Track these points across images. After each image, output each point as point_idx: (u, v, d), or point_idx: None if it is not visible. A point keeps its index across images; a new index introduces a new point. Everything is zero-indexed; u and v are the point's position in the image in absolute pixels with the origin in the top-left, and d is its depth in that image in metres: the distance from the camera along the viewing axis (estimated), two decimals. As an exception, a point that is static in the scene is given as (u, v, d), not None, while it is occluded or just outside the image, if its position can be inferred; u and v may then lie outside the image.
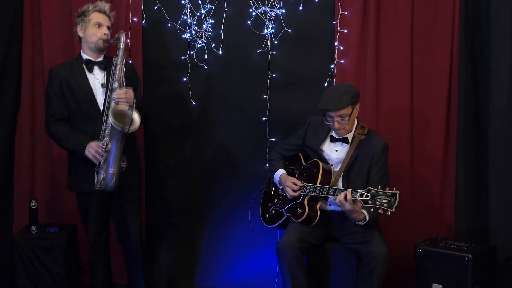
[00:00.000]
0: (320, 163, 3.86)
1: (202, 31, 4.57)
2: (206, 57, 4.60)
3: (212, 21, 4.56)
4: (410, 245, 4.18)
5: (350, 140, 3.87)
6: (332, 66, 4.47)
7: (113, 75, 3.80)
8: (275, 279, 3.91)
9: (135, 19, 4.54)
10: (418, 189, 4.46)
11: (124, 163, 3.81)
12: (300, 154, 4.10)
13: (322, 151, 3.94)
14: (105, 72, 3.94)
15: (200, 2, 4.54)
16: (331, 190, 3.69)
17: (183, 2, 4.56)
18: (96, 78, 3.94)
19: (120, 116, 3.72)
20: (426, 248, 3.93)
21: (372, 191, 3.46)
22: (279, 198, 4.04)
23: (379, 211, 3.43)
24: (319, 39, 4.51)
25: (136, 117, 3.76)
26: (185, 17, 4.57)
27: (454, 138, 4.37)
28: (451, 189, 4.40)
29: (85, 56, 3.97)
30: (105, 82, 3.90)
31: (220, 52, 4.58)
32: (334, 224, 3.92)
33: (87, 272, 4.65)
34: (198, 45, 4.58)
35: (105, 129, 3.78)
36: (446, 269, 3.80)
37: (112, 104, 3.77)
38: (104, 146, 3.74)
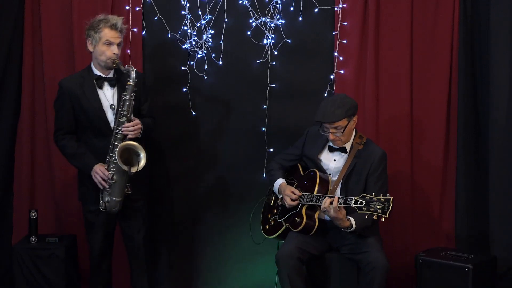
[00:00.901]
0: (318, 173, 3.86)
1: (202, 41, 4.57)
2: (206, 67, 4.59)
3: (212, 32, 4.56)
4: (410, 255, 4.17)
5: (348, 149, 3.87)
6: (332, 77, 4.47)
7: (121, 109, 3.78)
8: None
9: (135, 29, 4.54)
10: (418, 199, 4.45)
11: (128, 190, 3.83)
12: (298, 164, 4.10)
13: (320, 160, 3.94)
14: (115, 89, 3.92)
15: (200, 12, 4.54)
16: (327, 198, 3.68)
17: (183, 12, 4.56)
18: (106, 96, 3.91)
19: (127, 152, 3.77)
20: (426, 258, 3.93)
21: (367, 197, 3.47)
22: (278, 209, 4.04)
23: (374, 217, 3.44)
24: (318, 49, 4.52)
25: (142, 159, 3.77)
26: (185, 28, 4.57)
27: (454, 148, 4.37)
28: (451, 199, 4.39)
29: (96, 72, 3.91)
30: (114, 103, 3.87)
31: (220, 63, 4.58)
32: (334, 234, 3.91)
33: (86, 282, 4.60)
34: (198, 56, 4.58)
35: (112, 157, 3.78)
36: (447, 280, 3.80)
37: (119, 136, 3.77)
38: (110, 177, 3.76)
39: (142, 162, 3.76)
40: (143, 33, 4.59)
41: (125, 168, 3.69)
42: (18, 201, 4.74)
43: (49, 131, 4.64)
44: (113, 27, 3.83)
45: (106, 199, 3.81)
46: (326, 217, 3.83)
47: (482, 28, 4.22)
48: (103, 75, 3.91)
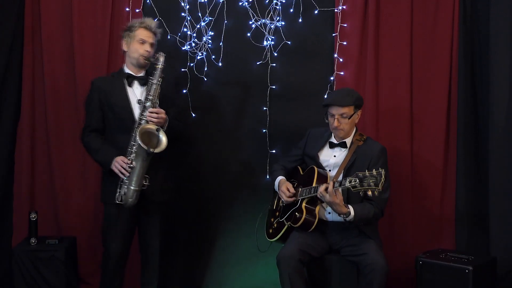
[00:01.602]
0: (316, 168, 3.87)
1: (202, 43, 4.58)
2: (206, 69, 4.60)
3: (212, 33, 4.58)
4: (410, 257, 4.15)
5: (348, 145, 3.90)
6: (332, 78, 4.48)
7: (148, 94, 3.83)
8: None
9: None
10: (419, 200, 4.45)
11: (146, 182, 3.83)
12: (299, 167, 4.11)
13: (319, 157, 3.96)
14: (144, 87, 3.95)
15: (200, 14, 4.56)
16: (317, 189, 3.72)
17: (183, 14, 4.58)
18: (135, 93, 3.96)
19: (148, 136, 3.77)
20: (427, 260, 3.92)
21: (360, 175, 3.49)
22: (280, 210, 4.04)
23: (368, 192, 3.46)
24: (318, 51, 4.53)
25: (163, 139, 3.78)
26: (185, 29, 4.58)
27: (454, 149, 4.38)
28: (451, 200, 4.39)
29: (127, 70, 3.99)
30: (142, 99, 3.90)
31: (220, 64, 4.59)
32: (334, 236, 3.91)
33: (86, 284, 4.67)
34: (198, 57, 4.60)
35: (133, 145, 3.80)
36: (447, 281, 3.79)
37: (143, 122, 3.80)
38: (130, 163, 3.77)
39: (163, 142, 3.78)
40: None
41: (145, 147, 3.71)
42: (18, 202, 4.75)
43: (49, 133, 4.71)
44: (148, 27, 3.97)
45: (123, 191, 3.81)
46: (328, 216, 3.86)
47: (482, 28, 4.23)
48: (134, 74, 3.98)
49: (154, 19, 4.52)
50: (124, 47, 3.99)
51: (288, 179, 4.08)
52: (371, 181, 3.43)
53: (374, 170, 3.46)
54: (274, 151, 4.55)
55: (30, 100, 4.72)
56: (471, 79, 4.32)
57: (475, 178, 4.32)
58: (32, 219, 4.39)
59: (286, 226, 3.91)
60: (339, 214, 3.66)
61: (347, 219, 3.65)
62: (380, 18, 4.41)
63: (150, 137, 3.78)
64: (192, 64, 4.60)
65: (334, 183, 3.60)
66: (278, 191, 4.04)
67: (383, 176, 3.40)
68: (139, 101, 3.89)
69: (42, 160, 4.75)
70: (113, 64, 4.59)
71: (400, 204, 4.39)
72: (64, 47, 4.65)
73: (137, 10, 4.58)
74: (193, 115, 4.60)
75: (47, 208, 4.72)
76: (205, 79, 4.61)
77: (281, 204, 4.06)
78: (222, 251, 4.70)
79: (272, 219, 4.12)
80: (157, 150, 3.74)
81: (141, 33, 3.94)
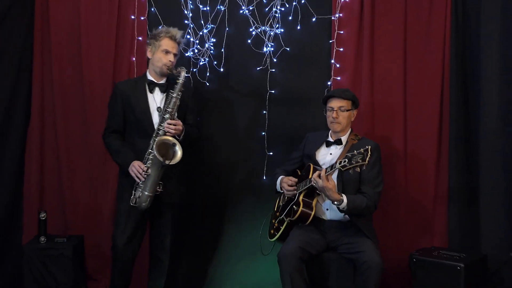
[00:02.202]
0: (311, 165, 3.89)
1: (204, 49, 4.58)
2: (208, 74, 4.60)
3: (214, 40, 4.58)
4: (405, 254, 4.15)
5: (344, 142, 3.93)
6: (329, 83, 4.47)
7: (167, 106, 3.83)
8: (276, 287, 3.89)
9: (140, 38, 4.55)
10: (412, 199, 4.44)
11: (160, 188, 3.84)
12: (298, 170, 4.11)
13: (316, 155, 3.97)
14: (165, 94, 3.96)
15: (202, 22, 4.56)
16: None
17: (186, 22, 4.58)
18: (155, 99, 3.96)
19: (164, 147, 3.80)
20: (420, 257, 3.94)
21: (348, 155, 3.52)
22: (279, 210, 4.04)
23: (357, 169, 3.49)
24: (316, 57, 4.54)
25: (178, 152, 3.80)
26: (188, 36, 4.57)
27: (446, 150, 4.37)
28: (444, 200, 4.39)
29: (149, 77, 4.00)
30: (161, 106, 3.91)
31: (222, 70, 4.59)
32: (332, 234, 3.90)
33: (93, 281, 4.66)
34: (201, 63, 4.60)
35: (150, 153, 3.81)
36: (440, 278, 3.80)
37: (161, 132, 3.81)
38: (145, 170, 3.78)
39: (179, 155, 3.80)
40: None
41: (161, 159, 3.72)
42: (28, 202, 4.73)
43: (58, 135, 4.69)
44: (172, 38, 3.96)
45: (138, 194, 3.82)
46: (325, 215, 3.87)
47: (473, 33, 4.23)
48: (156, 81, 3.98)
49: (159, 27, 4.52)
50: (149, 55, 4.00)
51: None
52: (358, 158, 3.46)
53: (361, 149, 3.47)
54: (271, 153, 4.55)
55: (40, 103, 4.70)
56: (462, 85, 4.31)
57: (466, 178, 4.31)
58: (41, 218, 4.38)
59: (285, 223, 3.91)
60: (333, 202, 3.66)
61: (340, 206, 3.65)
62: (375, 25, 4.41)
63: (166, 148, 3.81)
64: (195, 70, 4.60)
65: (326, 169, 3.62)
66: (280, 189, 4.05)
67: (369, 152, 3.42)
68: (158, 109, 3.91)
69: (51, 161, 4.73)
70: (118, 70, 4.59)
71: (395, 203, 4.40)
72: (72, 53, 4.63)
73: (142, 18, 4.57)
74: (197, 118, 4.58)
75: (56, 207, 4.70)
76: (207, 84, 4.61)
77: (280, 204, 4.06)
78: (224, 249, 4.70)
79: (274, 220, 4.12)
80: (172, 163, 3.75)
81: (166, 43, 3.93)
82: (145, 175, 3.79)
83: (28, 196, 4.73)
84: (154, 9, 4.59)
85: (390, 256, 4.20)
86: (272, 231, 4.07)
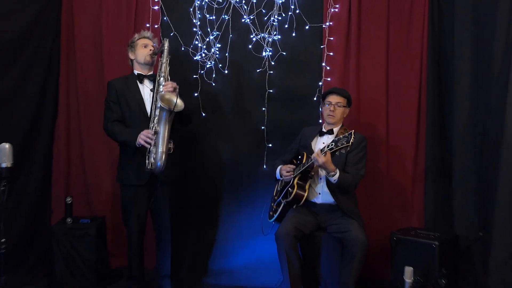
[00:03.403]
0: (305, 153, 3.93)
1: (210, 54, 4.59)
2: (214, 75, 4.60)
3: (219, 46, 4.58)
4: (386, 234, 4.16)
5: (335, 133, 3.96)
6: (320, 83, 4.48)
7: (159, 72, 3.85)
8: (273, 262, 3.92)
9: (155, 44, 4.54)
10: (394, 188, 4.46)
11: (171, 145, 3.73)
12: (294, 159, 4.12)
13: (312, 145, 4.00)
14: (153, 83, 3.95)
15: (209, 29, 4.56)
16: (310, 159, 3.78)
17: (194, 29, 4.58)
18: (146, 87, 3.97)
19: (167, 102, 3.72)
20: (400, 236, 3.95)
21: (335, 139, 3.59)
22: (277, 194, 4.07)
23: (342, 150, 3.55)
24: (309, 60, 4.53)
25: (179, 101, 3.74)
26: (196, 42, 4.58)
27: (423, 145, 4.38)
28: (421, 188, 4.41)
29: (136, 72, 4.00)
30: (153, 94, 3.89)
31: (226, 71, 4.60)
32: (322, 216, 3.93)
33: (114, 257, 4.68)
34: (207, 66, 4.60)
35: (154, 118, 3.77)
36: (417, 254, 3.81)
37: (161, 90, 3.79)
38: (153, 131, 3.71)
39: (180, 103, 3.71)
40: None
41: (166, 107, 3.64)
42: (56, 188, 4.76)
43: (82, 129, 4.70)
44: (145, 37, 4.03)
45: (152, 158, 3.69)
46: (317, 199, 3.90)
47: (447, 42, 4.23)
48: (144, 73, 3.99)
49: (171, 34, 4.57)
50: (131, 56, 4.02)
51: None
52: (343, 140, 3.52)
53: (346, 133, 3.54)
54: (270, 145, 4.57)
55: (66, 102, 4.72)
56: (438, 87, 4.33)
57: (441, 168, 4.33)
58: (67, 202, 4.41)
59: (282, 204, 3.94)
60: (328, 173, 3.71)
61: (333, 178, 3.70)
62: (361, 33, 4.42)
63: (169, 102, 3.69)
64: (202, 72, 4.60)
65: (319, 150, 3.68)
66: (279, 177, 4.07)
67: (353, 135, 3.48)
68: (151, 90, 3.91)
69: (76, 152, 4.76)
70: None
71: (378, 190, 4.41)
72: (94, 58, 4.65)
73: (156, 26, 4.58)
74: (203, 114, 4.61)
75: (80, 192, 4.73)
76: (213, 84, 4.61)
77: (278, 188, 4.09)
78: (227, 229, 4.71)
79: (272, 204, 4.14)
80: (176, 109, 3.68)
81: (142, 41, 3.99)
82: (155, 134, 3.69)
83: (56, 183, 4.76)
84: (166, 18, 4.59)
85: (373, 234, 4.22)
86: (271, 213, 4.11)
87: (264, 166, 4.56)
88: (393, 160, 4.45)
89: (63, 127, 4.74)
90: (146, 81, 3.97)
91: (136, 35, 4.05)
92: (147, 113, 3.88)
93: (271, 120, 4.58)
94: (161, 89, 3.77)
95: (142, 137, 3.71)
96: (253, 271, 4.52)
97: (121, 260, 4.63)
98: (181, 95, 4.37)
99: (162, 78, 3.83)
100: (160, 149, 3.68)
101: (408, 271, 3.65)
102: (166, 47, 3.86)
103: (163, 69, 3.84)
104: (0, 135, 3.97)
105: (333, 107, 3.93)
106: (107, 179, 4.72)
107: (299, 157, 3.98)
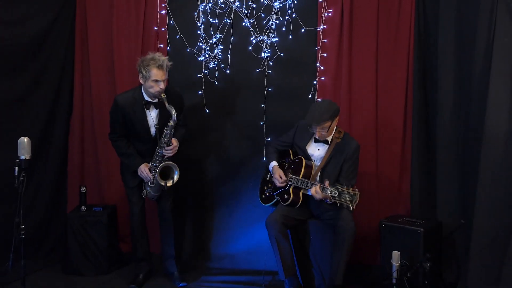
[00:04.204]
0: (304, 160, 3.88)
1: (213, 54, 4.57)
2: (217, 75, 4.60)
3: (222, 47, 4.56)
4: (375, 221, 4.17)
5: (329, 141, 3.89)
6: (315, 82, 4.46)
7: (163, 138, 3.83)
8: (269, 247, 3.95)
9: (161, 45, 4.57)
10: (382, 179, 4.45)
11: (164, 188, 3.92)
12: (290, 150, 4.11)
13: (307, 149, 3.96)
14: (158, 110, 3.92)
15: (212, 32, 4.55)
16: (309, 184, 3.75)
17: (199, 32, 4.57)
18: (151, 115, 3.92)
19: (166, 169, 3.88)
20: (388, 223, 3.96)
21: (339, 189, 3.46)
22: (272, 184, 4.06)
23: (344, 206, 3.47)
24: (304, 61, 4.51)
25: (176, 176, 3.90)
26: (201, 44, 4.57)
27: (409, 139, 4.37)
28: (407, 179, 4.40)
29: (145, 98, 3.88)
30: (157, 123, 3.89)
31: (228, 71, 4.59)
32: (314, 205, 3.94)
33: (124, 242, 4.71)
34: (211, 66, 4.59)
35: (153, 165, 3.88)
36: (404, 240, 3.82)
37: (160, 155, 3.87)
38: (152, 179, 3.89)
39: (176, 178, 3.91)
40: (168, 48, 4.62)
41: (163, 183, 3.84)
42: (71, 179, 4.80)
43: (95, 124, 4.72)
44: (160, 67, 3.74)
45: (148, 189, 3.95)
46: (309, 192, 3.86)
47: (432, 43, 4.23)
48: (151, 100, 3.90)
49: (177, 36, 4.58)
50: (141, 81, 3.82)
51: (280, 158, 4.10)
52: (348, 198, 3.42)
53: (351, 189, 3.44)
54: (269, 139, 4.55)
55: (80, 99, 4.74)
56: (423, 86, 4.31)
57: (426, 162, 4.32)
58: (82, 192, 4.43)
59: (275, 199, 3.96)
60: (324, 199, 3.66)
61: (329, 202, 3.65)
62: (353, 35, 4.39)
63: (168, 169, 3.89)
64: (206, 71, 4.60)
65: (320, 187, 3.60)
66: (271, 172, 4.05)
67: (357, 198, 3.40)
68: (155, 126, 3.88)
69: (89, 146, 4.78)
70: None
71: (367, 182, 4.38)
72: (106, 59, 4.66)
73: (163, 29, 4.57)
74: (207, 111, 4.62)
75: (93, 183, 4.76)
76: (216, 83, 4.60)
77: (273, 180, 4.06)
78: (228, 216, 4.71)
79: (265, 188, 4.14)
80: (171, 184, 3.90)
81: (155, 74, 3.72)
82: (151, 182, 3.88)
83: (71, 174, 4.80)
84: (172, 21, 4.59)
85: (363, 222, 4.22)
86: (263, 197, 4.11)
87: (263, 159, 4.55)
88: (381, 154, 4.44)
89: (77, 123, 4.76)
90: (152, 108, 3.92)
91: (150, 59, 3.73)
92: (151, 134, 3.93)
93: (270, 116, 4.57)
94: (162, 151, 3.84)
95: (143, 175, 3.91)
96: (253, 255, 4.53)
97: (130, 246, 4.55)
98: (186, 93, 4.40)
99: (165, 145, 3.84)
100: (153, 193, 3.98)
101: (396, 255, 3.68)
102: (172, 122, 3.78)
103: (166, 138, 3.82)
104: (19, 130, 4.03)
105: (319, 133, 3.82)
106: (118, 171, 4.63)
107: (296, 160, 3.94)
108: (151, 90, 3.80)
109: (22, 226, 3.34)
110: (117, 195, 4.71)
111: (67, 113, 4.74)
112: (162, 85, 3.78)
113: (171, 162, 3.90)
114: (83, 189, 4.44)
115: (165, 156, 3.88)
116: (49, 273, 4.31)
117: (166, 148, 3.84)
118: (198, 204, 4.77)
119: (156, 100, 3.89)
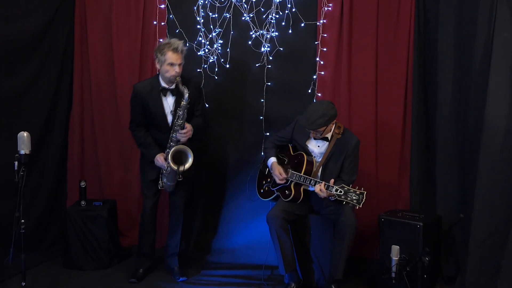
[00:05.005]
0: (305, 156, 3.87)
1: (213, 49, 4.57)
2: (216, 69, 4.59)
3: (221, 42, 4.55)
4: (375, 215, 4.16)
5: (329, 138, 3.88)
6: (314, 77, 4.45)
7: (177, 119, 3.84)
8: (270, 242, 3.95)
9: (161, 40, 4.52)
10: (382, 175, 4.44)
11: (180, 178, 3.90)
12: (289, 145, 4.09)
13: (307, 146, 3.95)
14: (175, 97, 3.93)
15: (211, 26, 4.54)
16: (312, 181, 3.73)
17: (198, 26, 4.56)
18: (168, 102, 3.94)
19: (179, 154, 3.86)
20: (387, 217, 3.95)
21: (345, 188, 3.47)
22: (271, 179, 4.04)
23: (350, 205, 3.48)
24: (304, 55, 4.50)
25: (190, 158, 3.88)
26: (200, 38, 4.56)
27: (409, 135, 4.35)
28: (407, 174, 4.39)
29: (162, 84, 3.92)
30: (172, 109, 3.92)
31: (227, 66, 4.58)
32: (315, 201, 3.94)
33: (124, 237, 4.71)
34: (210, 60, 4.58)
35: (168, 152, 3.87)
36: (403, 234, 3.81)
37: (174, 139, 3.86)
38: (167, 167, 3.88)
39: (189, 162, 3.87)
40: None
41: (175, 167, 3.80)
42: (71, 174, 4.80)
43: (95, 121, 4.73)
44: (175, 50, 3.80)
45: (164, 180, 3.95)
46: (310, 188, 3.86)
47: (432, 39, 4.22)
48: (167, 87, 3.93)
49: (176, 31, 4.57)
50: (157, 66, 3.87)
51: (278, 153, 4.09)
52: (354, 197, 3.44)
53: (357, 188, 3.46)
54: (268, 133, 4.55)
55: (80, 94, 4.74)
56: (423, 82, 4.30)
57: (425, 157, 4.32)
58: (82, 186, 4.42)
59: (275, 194, 3.96)
60: (328, 197, 3.65)
61: (332, 199, 3.65)
62: (353, 30, 4.38)
63: (181, 154, 3.87)
64: (205, 66, 4.59)
65: (324, 185, 3.59)
66: (269, 168, 4.03)
67: (364, 197, 3.42)
68: (171, 112, 3.91)
69: (89, 141, 4.78)
70: (144, 67, 4.60)
71: (367, 177, 4.37)
72: (105, 53, 4.66)
73: (163, 24, 4.56)
74: (207, 105, 4.60)
75: (93, 178, 4.76)
76: (216, 78, 4.59)
77: (272, 176, 4.07)
78: (228, 211, 4.72)
79: (263, 182, 4.13)
80: (183, 169, 3.85)
81: (170, 57, 3.78)
82: (166, 171, 3.87)
83: (71, 169, 4.80)
84: (172, 16, 4.58)
85: (363, 216, 4.22)
86: (262, 191, 4.11)
87: (262, 153, 4.54)
88: (381, 149, 4.44)
89: (77, 118, 4.76)
90: (169, 94, 3.95)
91: (166, 44, 3.82)
92: (168, 123, 3.94)
93: (269, 111, 4.56)
94: (176, 135, 3.84)
95: (159, 163, 3.90)
96: (252, 250, 4.53)
97: (130, 240, 4.68)
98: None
99: (179, 127, 3.84)
100: (169, 183, 3.95)
101: (395, 249, 3.70)
102: (185, 101, 3.80)
103: (179, 120, 3.83)
104: (19, 125, 4.03)
105: (315, 135, 3.83)
106: (118, 166, 4.76)
107: (297, 156, 3.93)
108: (167, 75, 3.83)
109: (22, 221, 3.36)
110: (117, 189, 4.74)
111: (67, 108, 4.74)
112: (177, 69, 3.82)
113: (185, 146, 3.87)
114: (83, 183, 4.44)
115: (180, 141, 3.88)
116: (50, 268, 4.32)
117: (180, 131, 3.84)
118: (197, 199, 4.77)
119: (173, 86, 3.91)
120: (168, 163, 3.83)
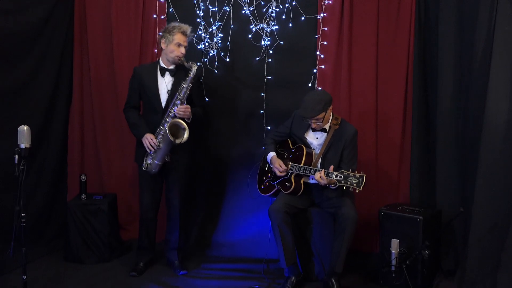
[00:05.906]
0: (304, 148, 3.87)
1: (213, 43, 4.56)
2: (216, 63, 4.59)
3: (221, 35, 4.55)
4: (375, 209, 4.16)
5: (327, 129, 3.88)
6: (315, 71, 4.46)
7: (178, 94, 3.83)
8: (269, 236, 3.95)
9: (161, 33, 4.50)
10: (382, 168, 4.45)
11: (168, 159, 3.89)
12: (288, 140, 4.09)
13: (306, 138, 3.95)
14: (173, 78, 3.95)
15: (211, 20, 4.54)
16: (312, 170, 3.73)
17: (198, 20, 4.56)
18: (165, 82, 3.95)
19: (176, 128, 3.82)
20: (387, 211, 3.94)
21: (345, 173, 3.47)
22: (271, 174, 4.04)
23: (350, 189, 3.48)
24: (304, 49, 4.50)
25: (186, 133, 3.83)
26: (200, 32, 4.56)
27: (409, 129, 4.36)
28: (407, 168, 4.40)
29: (161, 64, 3.96)
30: (170, 89, 3.92)
31: (228, 60, 4.58)
32: (315, 193, 3.94)
33: (124, 230, 4.72)
34: (210, 54, 4.58)
35: (161, 130, 3.84)
36: (403, 228, 3.82)
37: (171, 114, 3.82)
38: (157, 145, 3.83)
39: (186, 136, 3.82)
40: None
41: (172, 138, 3.76)
42: (72, 167, 4.79)
43: (95, 114, 4.72)
44: (184, 33, 3.91)
45: (149, 161, 3.90)
46: (311, 181, 3.86)
47: (432, 35, 4.21)
48: (166, 67, 3.96)
49: (171, 23, 4.55)
50: (163, 46, 3.93)
51: (278, 148, 4.09)
52: (354, 181, 3.44)
53: (357, 172, 3.47)
54: (269, 127, 4.55)
55: (79, 88, 4.72)
56: (423, 77, 4.31)
57: (425, 151, 4.33)
58: (82, 180, 4.42)
59: (275, 189, 3.95)
60: (329, 185, 3.64)
61: (333, 187, 3.64)
62: (353, 24, 4.38)
63: (177, 129, 3.83)
64: (205, 60, 4.59)
65: (324, 172, 3.59)
66: (269, 163, 4.02)
67: (364, 180, 3.43)
68: (168, 92, 3.91)
69: (89, 135, 4.78)
70: (144, 60, 4.59)
71: (367, 170, 4.33)
72: (105, 47, 4.65)
73: (162, 17, 4.56)
74: (207, 99, 4.60)
75: (94, 171, 4.76)
76: (216, 71, 4.59)
77: (272, 169, 4.08)
78: (228, 205, 4.73)
79: (264, 178, 4.12)
80: (180, 142, 3.80)
81: (179, 38, 3.87)
82: (156, 148, 3.82)
83: (71, 163, 4.79)
84: (172, 9, 4.57)
85: (363, 210, 4.22)
86: (262, 187, 4.10)
87: (263, 147, 4.52)
88: (381, 143, 4.45)
89: (77, 111, 4.75)
90: (167, 75, 3.96)
91: (176, 26, 3.91)
92: (161, 105, 3.93)
93: (270, 105, 4.56)
94: (174, 110, 3.81)
95: (146, 142, 3.87)
96: (252, 243, 4.54)
97: (131, 233, 4.69)
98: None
99: (179, 102, 3.82)
100: (156, 161, 3.88)
101: (395, 243, 3.71)
102: (191, 74, 3.82)
103: (182, 94, 3.82)
104: (19, 118, 4.02)
105: (314, 124, 3.81)
106: (118, 160, 4.76)
107: (296, 149, 3.92)
108: (172, 55, 3.88)
109: (23, 214, 3.35)
110: (117, 183, 4.74)
111: (66, 102, 4.73)
112: (183, 50, 3.90)
113: (182, 121, 3.84)
114: (83, 177, 4.43)
115: (176, 117, 3.86)
116: (50, 261, 4.32)
117: (179, 106, 3.82)
118: (197, 193, 4.77)
119: (173, 67, 3.95)
120: (166, 131, 3.78)
